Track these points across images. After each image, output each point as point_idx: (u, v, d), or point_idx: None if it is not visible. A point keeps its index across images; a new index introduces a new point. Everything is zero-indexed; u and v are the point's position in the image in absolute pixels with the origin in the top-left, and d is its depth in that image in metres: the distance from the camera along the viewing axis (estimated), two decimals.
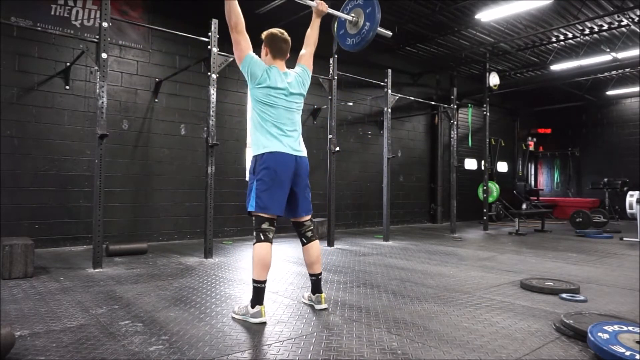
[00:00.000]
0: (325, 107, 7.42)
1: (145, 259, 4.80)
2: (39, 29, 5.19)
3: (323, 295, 2.94)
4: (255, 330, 2.48)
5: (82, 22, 5.73)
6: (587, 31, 8.55)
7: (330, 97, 6.23)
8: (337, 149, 6.11)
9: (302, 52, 3.06)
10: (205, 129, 5.11)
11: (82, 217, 5.63)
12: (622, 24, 8.03)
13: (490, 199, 10.23)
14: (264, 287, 2.66)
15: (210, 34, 4.93)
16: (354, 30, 3.18)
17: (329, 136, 6.15)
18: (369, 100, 8.92)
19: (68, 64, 5.50)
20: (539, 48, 9.54)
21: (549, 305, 3.10)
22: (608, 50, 8.89)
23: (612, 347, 2.05)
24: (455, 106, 8.27)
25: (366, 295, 3.31)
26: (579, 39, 8.92)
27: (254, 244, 2.70)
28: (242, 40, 2.71)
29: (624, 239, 7.20)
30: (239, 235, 7.03)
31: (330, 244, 6.09)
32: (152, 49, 6.31)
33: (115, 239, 5.59)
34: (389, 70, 7.00)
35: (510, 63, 10.74)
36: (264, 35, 2.87)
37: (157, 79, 6.27)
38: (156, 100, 6.32)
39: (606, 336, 2.17)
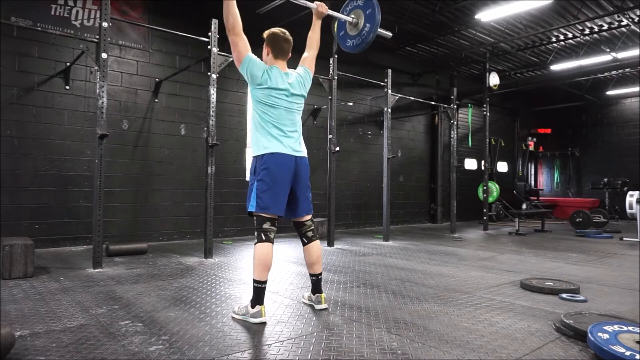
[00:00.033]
0: (325, 107, 7.42)
1: (145, 259, 4.80)
2: (39, 29, 5.19)
3: (323, 295, 2.94)
4: (255, 330, 2.48)
5: (82, 22, 5.73)
6: (587, 31, 8.55)
7: (330, 97, 6.23)
8: (337, 149, 6.11)
9: (305, 54, 3.06)
10: (205, 129, 5.11)
11: (82, 217, 5.63)
12: (622, 24, 8.03)
13: (490, 199, 10.24)
14: (265, 288, 2.66)
15: (210, 34, 4.93)
16: (354, 31, 3.18)
17: (329, 136, 6.16)
18: (369, 100, 8.92)
19: (68, 64, 5.50)
20: (539, 48, 9.54)
21: (549, 305, 3.10)
22: (608, 50, 8.89)
23: (612, 347, 2.05)
24: (455, 106, 8.27)
25: (366, 295, 3.31)
26: (579, 39, 8.92)
27: (255, 244, 2.70)
28: (239, 42, 2.69)
29: (624, 239, 7.20)
30: (239, 235, 7.03)
31: (330, 244, 6.09)
32: (152, 49, 6.31)
33: (115, 239, 5.59)
34: (389, 70, 7.00)
35: (510, 63, 10.74)
36: (265, 34, 2.86)
37: (157, 79, 6.27)
38: (156, 100, 6.32)
39: (606, 336, 2.17)
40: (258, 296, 2.63)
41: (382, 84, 6.95)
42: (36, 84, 5.40)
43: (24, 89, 5.32)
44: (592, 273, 4.36)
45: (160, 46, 6.38)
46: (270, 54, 2.84)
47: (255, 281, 2.64)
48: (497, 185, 10.58)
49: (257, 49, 2.77)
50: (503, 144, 12.20)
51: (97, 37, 4.27)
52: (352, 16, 3.16)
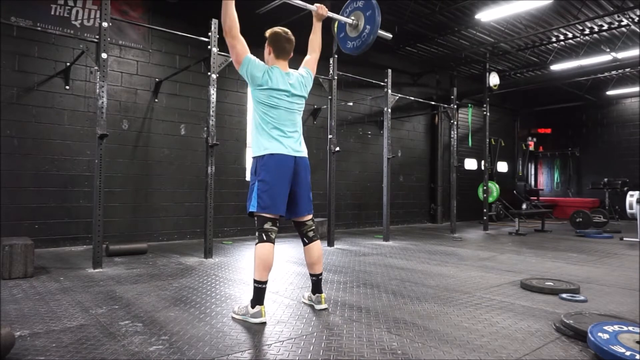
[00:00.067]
0: (325, 107, 7.42)
1: (145, 259, 4.80)
2: (39, 29, 5.20)
3: (323, 295, 2.94)
4: (255, 330, 2.48)
5: (82, 22, 5.73)
6: (587, 31, 8.55)
7: (330, 97, 6.23)
8: (337, 149, 6.11)
9: (307, 57, 3.06)
10: (205, 129, 5.11)
11: (82, 217, 5.63)
12: (622, 24, 8.03)
13: (490, 199, 10.24)
14: (265, 288, 2.65)
15: (210, 34, 4.93)
16: (355, 33, 3.17)
17: (329, 136, 6.16)
18: (369, 100, 8.92)
19: (68, 64, 5.49)
20: (539, 48, 9.55)
21: (549, 305, 3.10)
22: (608, 50, 8.89)
23: (612, 347, 2.05)
24: (455, 106, 8.27)
25: (366, 295, 3.31)
26: (579, 39, 8.92)
27: (256, 244, 2.69)
28: (237, 44, 2.67)
29: (624, 239, 7.19)
30: (239, 235, 7.03)
31: (330, 244, 6.08)
32: (152, 49, 6.31)
33: (115, 239, 5.59)
34: (389, 70, 7.00)
35: (510, 63, 10.74)
36: (267, 33, 2.85)
37: (157, 79, 6.27)
38: (156, 100, 6.32)
39: (606, 336, 2.17)
40: (258, 296, 2.63)
41: (382, 84, 6.95)
42: (36, 84, 5.40)
43: (24, 89, 5.32)
44: (592, 273, 4.36)
45: (160, 46, 6.38)
46: (272, 54, 2.83)
47: (255, 281, 2.63)
48: (497, 185, 10.58)
49: (256, 50, 2.77)
50: (503, 144, 12.20)
51: (97, 37, 4.27)
52: (352, 18, 3.15)
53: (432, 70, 10.46)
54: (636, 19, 7.73)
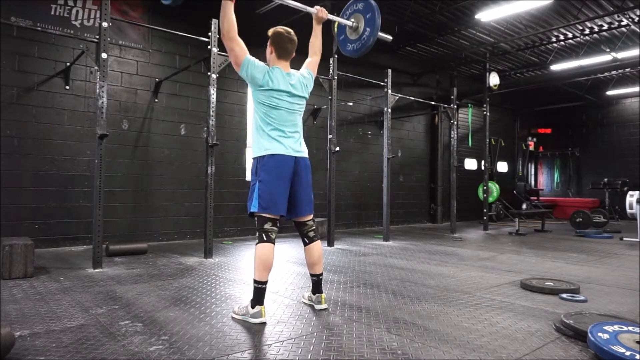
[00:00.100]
0: (325, 107, 7.42)
1: (145, 259, 4.80)
2: (39, 29, 5.20)
3: (323, 295, 2.94)
4: (256, 330, 2.48)
5: (82, 22, 5.73)
6: (587, 31, 8.55)
7: (330, 97, 6.23)
8: (337, 149, 6.11)
9: (309, 59, 3.05)
10: (205, 129, 5.11)
11: (82, 217, 5.63)
12: (622, 24, 8.03)
13: (490, 199, 10.24)
14: (265, 288, 2.65)
15: (210, 34, 4.93)
16: (355, 35, 3.17)
17: (329, 136, 6.16)
18: (369, 100, 8.92)
19: (68, 64, 5.49)
20: (539, 48, 9.54)
21: (549, 305, 3.10)
22: (608, 50, 8.89)
23: (612, 347, 2.05)
24: (455, 106, 8.27)
25: (366, 295, 3.31)
26: (579, 39, 8.92)
27: (256, 244, 2.69)
28: (235, 47, 2.67)
29: (624, 239, 7.19)
30: (239, 235, 7.03)
31: (330, 244, 6.08)
32: (152, 49, 6.31)
33: (115, 239, 5.59)
34: (389, 70, 7.00)
35: (510, 63, 10.74)
36: (270, 32, 2.85)
37: (157, 79, 6.27)
38: (156, 100, 6.32)
39: (606, 336, 2.17)
40: (258, 296, 2.63)
41: (382, 84, 6.95)
42: (36, 84, 5.40)
43: (24, 89, 5.32)
44: (592, 273, 4.36)
45: (160, 46, 6.38)
46: (274, 54, 2.82)
47: (255, 281, 2.63)
48: (497, 185, 10.58)
49: (256, 50, 2.76)
50: (503, 144, 12.20)
51: (97, 37, 4.27)
52: (352, 20, 3.15)
53: (432, 70, 10.46)
54: (636, 19, 7.73)
